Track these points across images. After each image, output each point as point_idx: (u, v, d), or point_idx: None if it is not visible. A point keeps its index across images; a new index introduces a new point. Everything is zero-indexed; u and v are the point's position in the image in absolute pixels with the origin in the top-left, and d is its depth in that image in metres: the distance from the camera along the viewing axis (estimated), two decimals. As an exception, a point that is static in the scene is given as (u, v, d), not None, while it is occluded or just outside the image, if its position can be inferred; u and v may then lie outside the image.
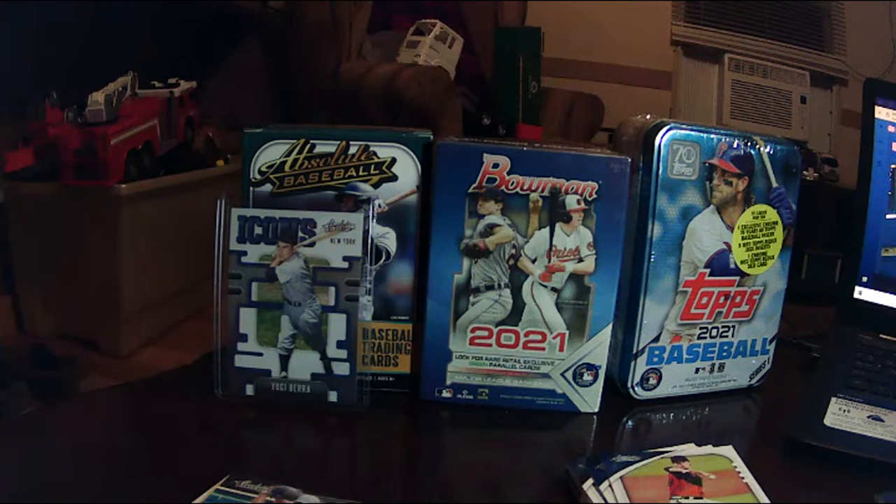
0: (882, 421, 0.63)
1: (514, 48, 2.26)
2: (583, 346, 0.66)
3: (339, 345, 0.64)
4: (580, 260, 0.65)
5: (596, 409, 0.68)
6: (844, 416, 0.64)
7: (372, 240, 0.64)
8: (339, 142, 0.65)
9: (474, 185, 0.63)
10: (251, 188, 0.65)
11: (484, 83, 2.40)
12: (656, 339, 0.69)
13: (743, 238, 0.69)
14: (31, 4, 1.63)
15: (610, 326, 0.66)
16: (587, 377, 0.67)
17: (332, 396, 0.65)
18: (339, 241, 0.63)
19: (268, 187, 0.65)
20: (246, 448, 0.63)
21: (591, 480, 0.52)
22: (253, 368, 0.65)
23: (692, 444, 0.57)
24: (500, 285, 0.65)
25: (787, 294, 0.73)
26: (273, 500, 0.48)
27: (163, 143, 1.83)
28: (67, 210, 1.62)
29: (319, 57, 2.12)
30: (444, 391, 0.67)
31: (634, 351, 0.69)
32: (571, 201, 0.64)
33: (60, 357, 1.52)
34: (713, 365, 0.72)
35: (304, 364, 0.65)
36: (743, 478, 0.53)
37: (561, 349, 0.66)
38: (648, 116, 0.69)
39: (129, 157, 1.64)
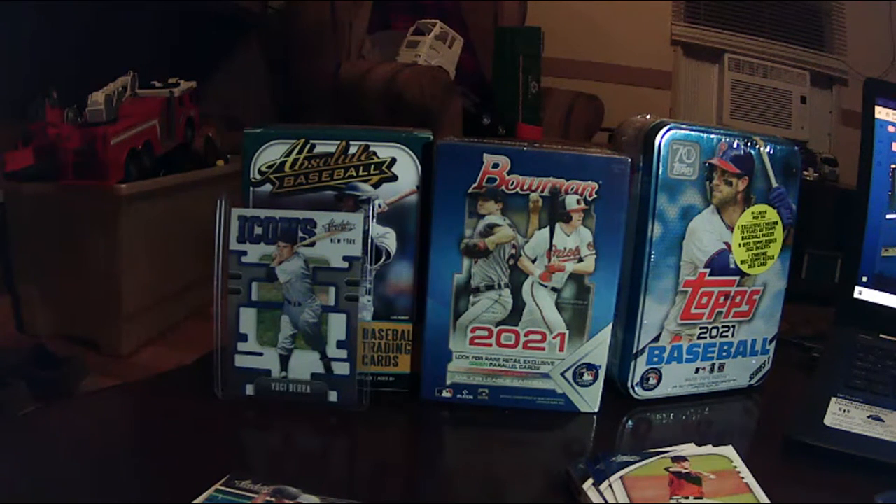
0: (882, 421, 0.63)
1: (514, 48, 2.26)
2: (583, 346, 0.66)
3: (339, 345, 0.64)
4: (580, 260, 0.65)
5: (596, 409, 0.68)
6: (844, 416, 0.64)
7: (372, 240, 0.64)
8: (339, 142, 0.65)
9: (474, 185, 0.63)
10: (251, 188, 0.65)
11: (484, 83, 2.40)
12: (656, 339, 0.69)
13: (743, 238, 0.69)
14: (31, 4, 1.63)
15: (610, 326, 0.66)
16: (587, 377, 0.67)
17: (332, 396, 0.65)
18: (339, 241, 0.63)
19: (268, 187, 0.65)
20: (246, 448, 0.63)
21: (591, 480, 0.52)
22: (253, 368, 0.65)
23: (692, 444, 0.57)
24: (500, 285, 0.65)
25: (787, 294, 0.73)
26: (273, 500, 0.48)
27: (163, 143, 1.83)
28: (67, 210, 1.62)
29: (319, 57, 2.12)
30: (444, 391, 0.67)
31: (634, 351, 0.69)
32: (571, 201, 0.64)
33: (60, 357, 1.52)
34: (713, 365, 0.72)
35: (304, 364, 0.65)
36: (743, 478, 0.53)
37: (561, 349, 0.66)
38: (648, 116, 0.69)
39: (129, 156, 1.64)
